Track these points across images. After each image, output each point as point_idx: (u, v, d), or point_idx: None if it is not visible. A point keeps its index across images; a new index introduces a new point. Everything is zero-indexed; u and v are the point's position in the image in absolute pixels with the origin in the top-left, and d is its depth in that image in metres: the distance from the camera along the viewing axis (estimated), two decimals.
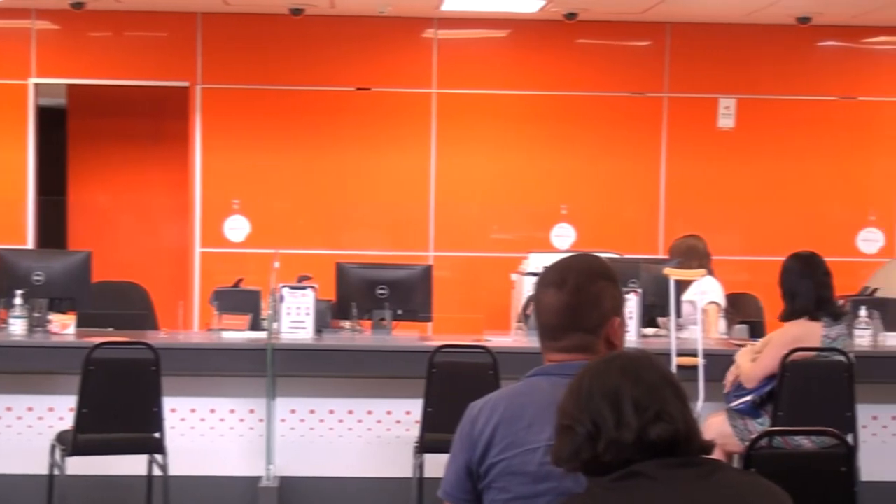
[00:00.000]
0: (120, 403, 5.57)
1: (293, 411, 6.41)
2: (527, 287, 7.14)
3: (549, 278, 2.68)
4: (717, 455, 5.72)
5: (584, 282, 2.63)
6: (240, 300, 6.63)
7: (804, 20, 8.67)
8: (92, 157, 9.90)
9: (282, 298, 6.42)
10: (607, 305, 2.62)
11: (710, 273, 7.09)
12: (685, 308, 6.74)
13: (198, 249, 9.07)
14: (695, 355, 5.95)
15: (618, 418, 2.00)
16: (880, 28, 9.22)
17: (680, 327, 6.53)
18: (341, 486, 6.42)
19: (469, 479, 2.59)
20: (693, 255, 7.07)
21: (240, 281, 7.02)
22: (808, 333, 5.63)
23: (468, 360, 5.72)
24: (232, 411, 6.39)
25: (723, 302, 7.05)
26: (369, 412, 6.43)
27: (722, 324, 7.04)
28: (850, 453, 4.18)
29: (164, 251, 9.70)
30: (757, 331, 6.84)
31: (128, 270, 8.41)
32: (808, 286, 5.64)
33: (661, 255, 8.50)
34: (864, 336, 6.41)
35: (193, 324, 8.57)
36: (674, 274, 6.27)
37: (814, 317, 5.64)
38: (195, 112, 9.06)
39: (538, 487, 2.48)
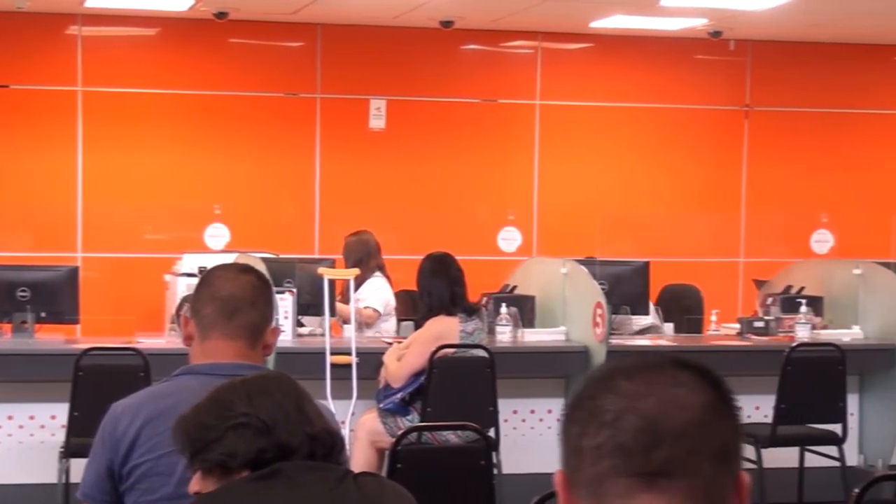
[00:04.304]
0: None
1: None
2: (181, 288, 7.04)
3: (228, 267, 2.73)
4: (369, 452, 5.85)
5: (263, 277, 2.71)
6: None
7: (447, 24, 8.84)
8: None
9: None
10: (271, 311, 2.68)
11: (382, 268, 7.23)
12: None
13: None
14: (349, 354, 6.06)
15: (300, 416, 2.12)
16: (517, 32, 9.60)
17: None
18: None
19: (110, 480, 2.55)
20: (364, 250, 7.19)
21: None
22: (449, 329, 5.85)
23: (118, 363, 5.61)
24: None
25: (380, 303, 7.15)
26: (10, 417, 6.20)
27: (392, 322, 7.17)
28: (489, 447, 4.36)
29: None
30: (416, 328, 6.99)
31: None
32: (441, 284, 5.88)
33: (317, 255, 8.58)
34: (505, 332, 6.66)
35: None
36: (328, 273, 6.35)
37: (450, 312, 5.87)
38: None
39: (184, 489, 2.46)
